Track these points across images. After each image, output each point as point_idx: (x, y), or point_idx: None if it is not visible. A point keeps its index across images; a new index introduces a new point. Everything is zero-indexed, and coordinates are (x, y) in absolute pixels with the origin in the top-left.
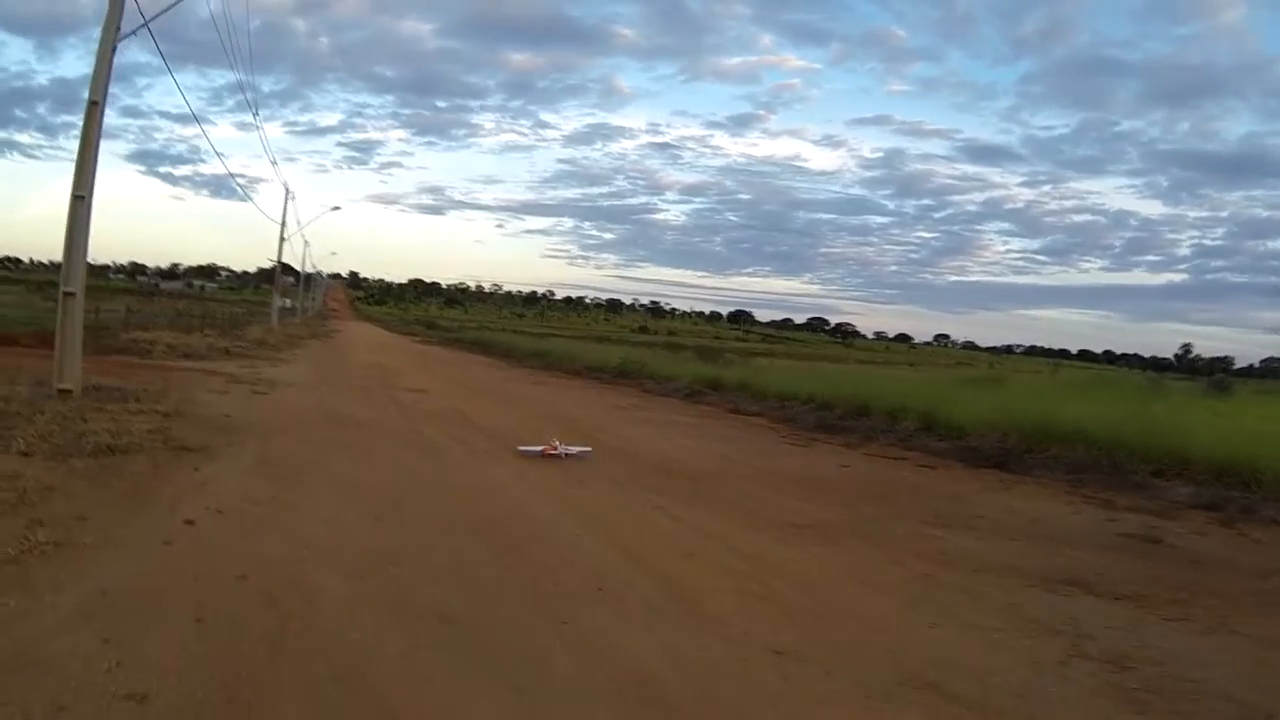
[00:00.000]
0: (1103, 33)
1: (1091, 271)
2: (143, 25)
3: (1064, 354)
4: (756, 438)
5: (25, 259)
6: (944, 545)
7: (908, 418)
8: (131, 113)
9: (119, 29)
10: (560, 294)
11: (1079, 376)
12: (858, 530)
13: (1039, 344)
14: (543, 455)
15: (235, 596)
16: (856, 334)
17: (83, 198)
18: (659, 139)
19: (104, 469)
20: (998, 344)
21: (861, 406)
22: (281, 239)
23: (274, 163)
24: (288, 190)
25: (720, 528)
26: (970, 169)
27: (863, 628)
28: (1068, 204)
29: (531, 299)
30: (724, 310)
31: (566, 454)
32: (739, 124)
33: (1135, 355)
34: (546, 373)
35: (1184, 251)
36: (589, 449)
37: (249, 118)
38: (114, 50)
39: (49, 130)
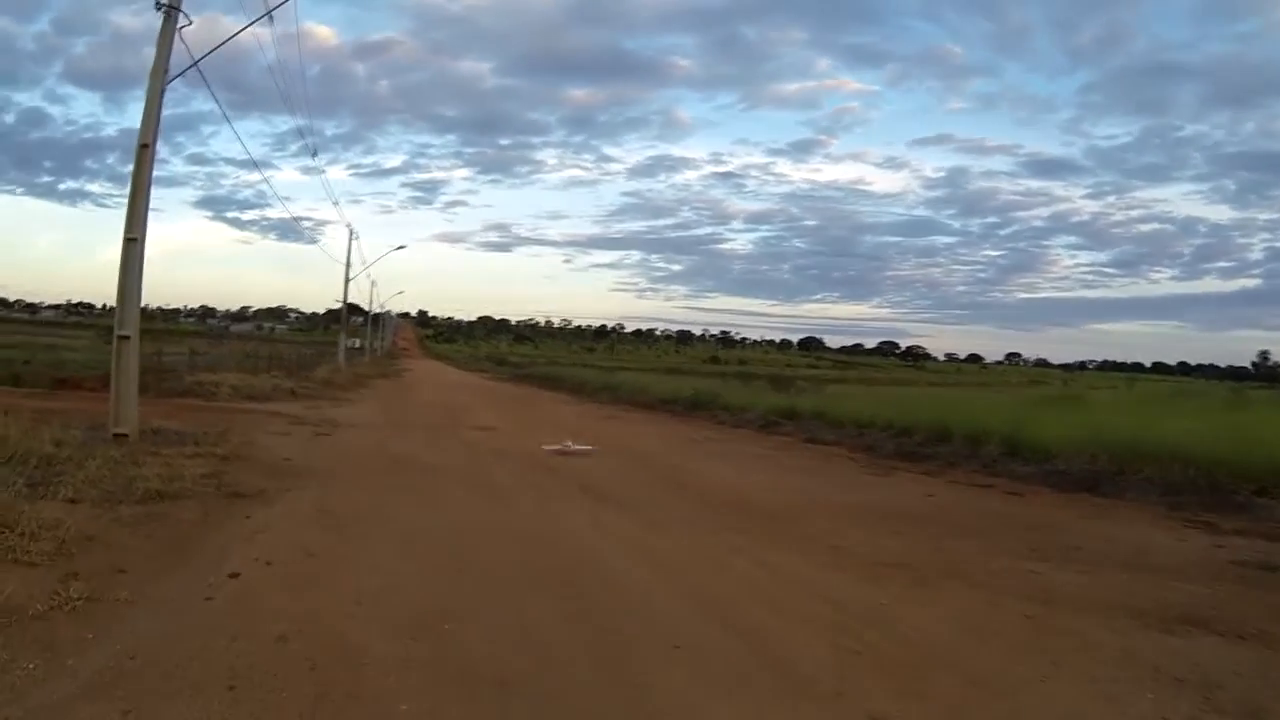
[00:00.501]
0: (1160, 36)
1: (1162, 281)
2: (191, 66)
3: (1138, 368)
4: (835, 469)
5: (98, 304)
6: (1044, 582)
7: (990, 442)
8: (198, 160)
9: (167, 71)
10: (630, 327)
11: (1157, 390)
12: (951, 568)
13: (1111, 358)
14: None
15: (274, 660)
16: (927, 356)
17: (135, 240)
18: (722, 168)
19: (151, 517)
20: (1070, 360)
21: (941, 432)
22: (347, 279)
23: (335, 203)
24: (351, 231)
25: (804, 570)
26: (1034, 184)
27: (969, 685)
28: (1134, 214)
29: (601, 333)
30: (794, 338)
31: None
32: (801, 150)
33: (1211, 365)
34: (617, 406)
35: (1256, 256)
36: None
37: (314, 161)
38: (162, 93)
39: (118, 179)
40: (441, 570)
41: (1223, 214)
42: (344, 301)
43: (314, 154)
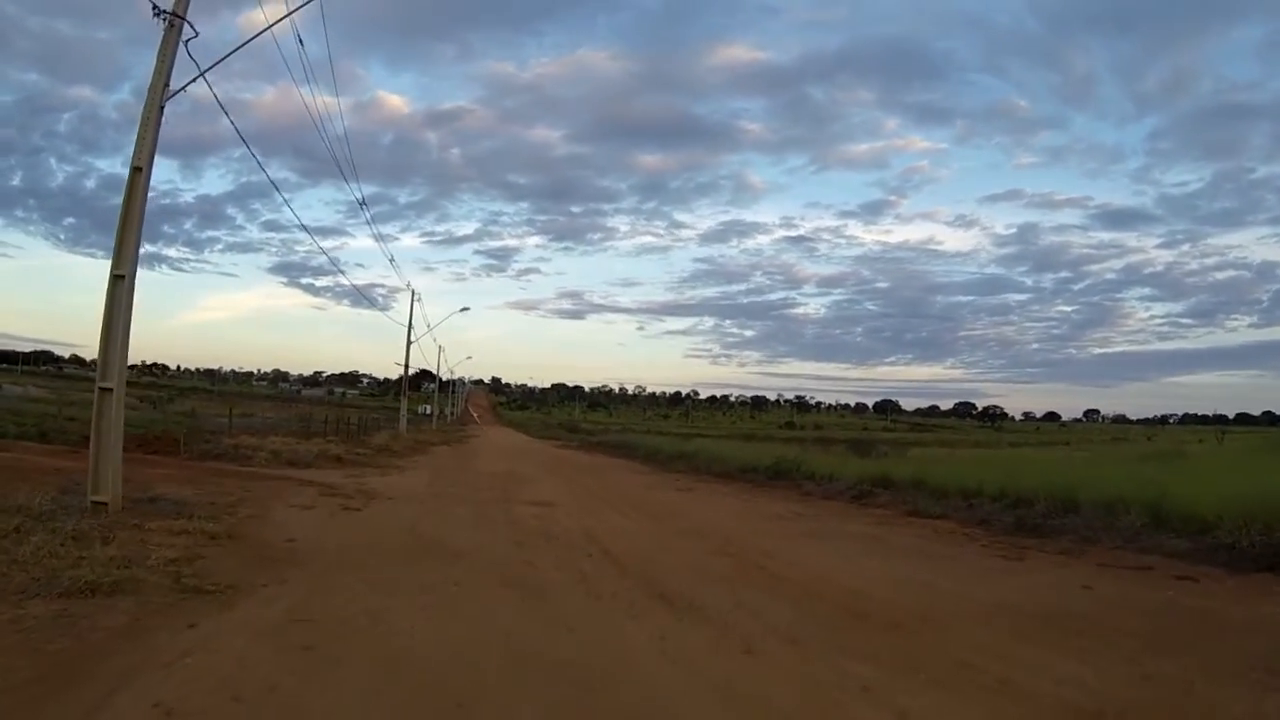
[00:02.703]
0: (1227, 77)
1: (1240, 330)
2: (196, 78)
3: (1221, 420)
4: (955, 551)
5: (172, 366)
6: None
7: (1129, 511)
8: (273, 226)
9: (168, 86)
10: (704, 393)
11: (1255, 442)
12: (1176, 712)
13: (1192, 411)
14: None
15: None
16: (1004, 416)
17: (123, 277)
18: (793, 232)
19: (60, 620)
20: (1149, 415)
21: (1066, 500)
22: (409, 341)
23: (391, 259)
24: (414, 292)
25: None
26: (1106, 236)
27: None
28: (1209, 261)
29: (675, 399)
30: (869, 401)
31: None
32: (871, 211)
33: None
34: (693, 476)
35: None
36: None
37: (387, 228)
38: (161, 110)
39: (195, 245)
40: None
41: None
42: (405, 364)
43: (362, 203)
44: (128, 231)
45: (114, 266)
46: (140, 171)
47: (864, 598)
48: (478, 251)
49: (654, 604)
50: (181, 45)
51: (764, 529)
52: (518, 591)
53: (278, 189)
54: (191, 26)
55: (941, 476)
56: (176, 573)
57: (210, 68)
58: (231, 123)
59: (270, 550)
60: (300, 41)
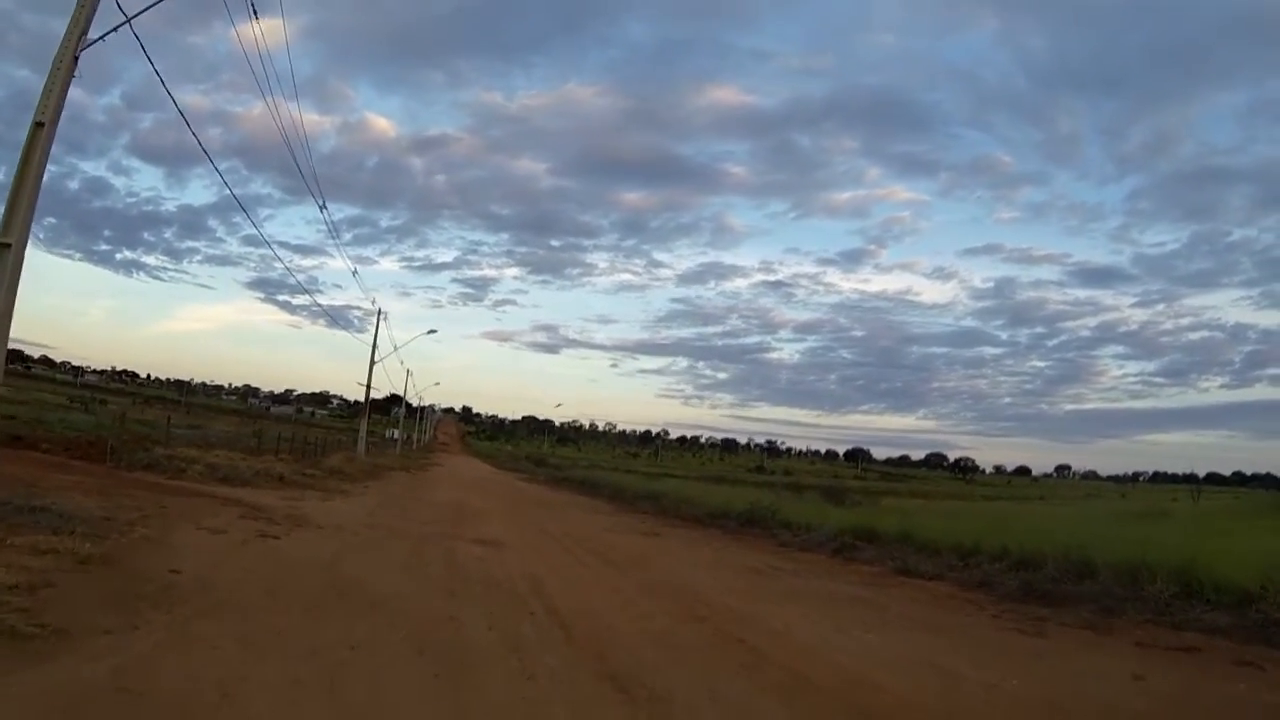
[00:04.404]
0: (1209, 141)
1: (1212, 390)
2: (123, 24)
3: (1191, 479)
4: (961, 620)
5: (143, 375)
6: None
7: (1155, 578)
8: (253, 241)
9: (85, 34)
10: (674, 433)
11: (1232, 504)
12: None
13: (1163, 469)
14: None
15: None
16: (976, 468)
17: (9, 246)
18: (772, 277)
19: None
20: (1120, 472)
21: (1079, 563)
22: (372, 360)
23: (354, 272)
24: (380, 311)
25: None
26: (1082, 293)
27: None
28: (1183, 322)
29: (646, 438)
30: (839, 448)
31: None
32: (851, 259)
33: (1268, 475)
34: (660, 519)
35: None
36: None
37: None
38: (76, 60)
39: (174, 254)
40: None
41: (1273, 319)
42: (367, 384)
43: (322, 206)
44: (20, 195)
45: (1, 234)
46: (43, 128)
47: (871, 688)
48: (455, 280)
49: (604, 690)
50: None
51: (740, 586)
52: (431, 663)
53: (232, 191)
54: None
55: (931, 531)
56: (3, 604)
57: (136, 15)
58: (156, 72)
59: (144, 582)
60: (263, 56)
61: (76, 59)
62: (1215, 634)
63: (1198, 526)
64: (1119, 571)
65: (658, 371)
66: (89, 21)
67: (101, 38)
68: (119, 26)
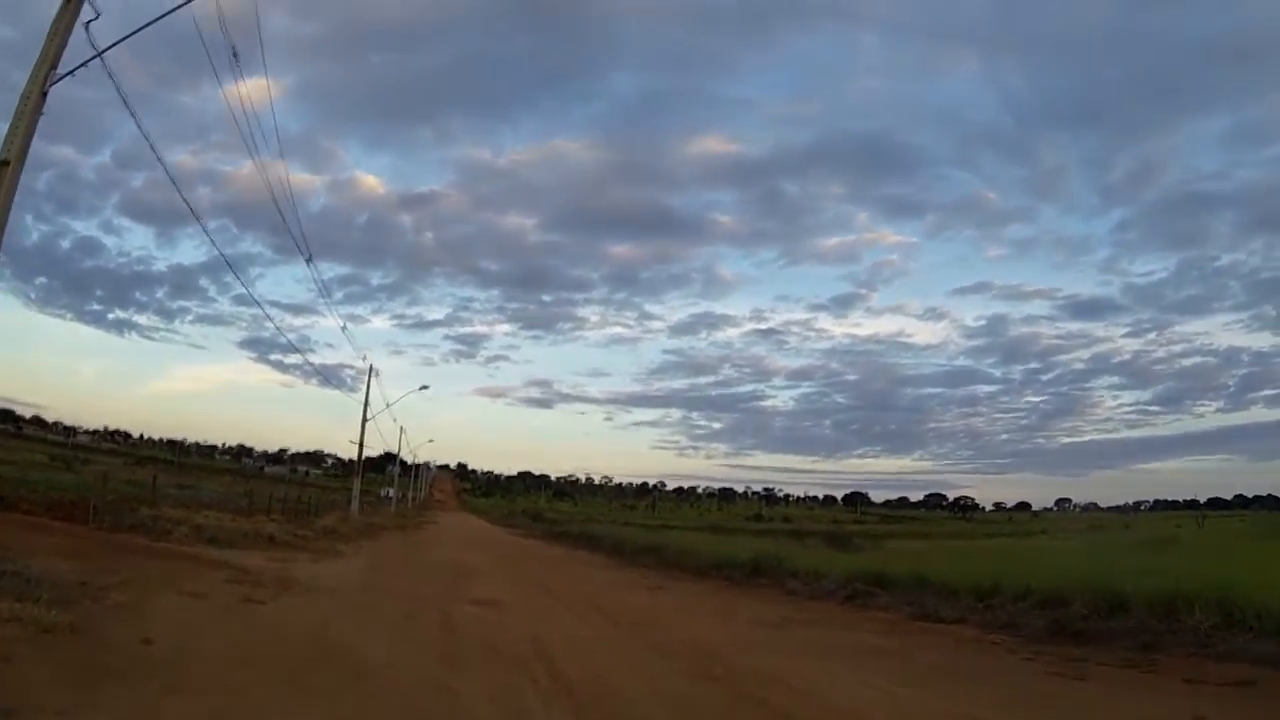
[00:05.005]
0: (1192, 168)
1: (1207, 415)
2: (93, 59)
3: (1193, 505)
4: (995, 666)
5: (136, 434)
6: None
7: (1192, 610)
8: (244, 301)
9: (55, 67)
10: (671, 485)
11: (1239, 528)
12: None
13: (1163, 497)
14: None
15: None
16: (975, 507)
17: None
18: (763, 325)
19: None
20: (1120, 502)
21: (1111, 599)
22: (364, 417)
23: (344, 328)
24: (371, 367)
25: None
26: (1074, 326)
27: None
28: (1175, 349)
29: (642, 490)
30: (837, 494)
31: None
32: (841, 304)
33: (1269, 496)
34: (663, 572)
35: None
36: None
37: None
38: (44, 96)
39: (165, 314)
40: None
41: (1265, 341)
42: (360, 441)
43: (309, 259)
44: None
45: None
46: (7, 166)
47: None
48: (447, 336)
49: None
50: (80, 25)
51: (753, 640)
52: None
53: (221, 252)
54: (93, 6)
55: (945, 573)
56: None
57: (108, 49)
58: (131, 110)
59: (112, 654)
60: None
61: (45, 94)
62: (1266, 665)
63: (1219, 553)
64: (1152, 604)
65: (652, 423)
66: (59, 56)
67: (70, 73)
68: (89, 61)
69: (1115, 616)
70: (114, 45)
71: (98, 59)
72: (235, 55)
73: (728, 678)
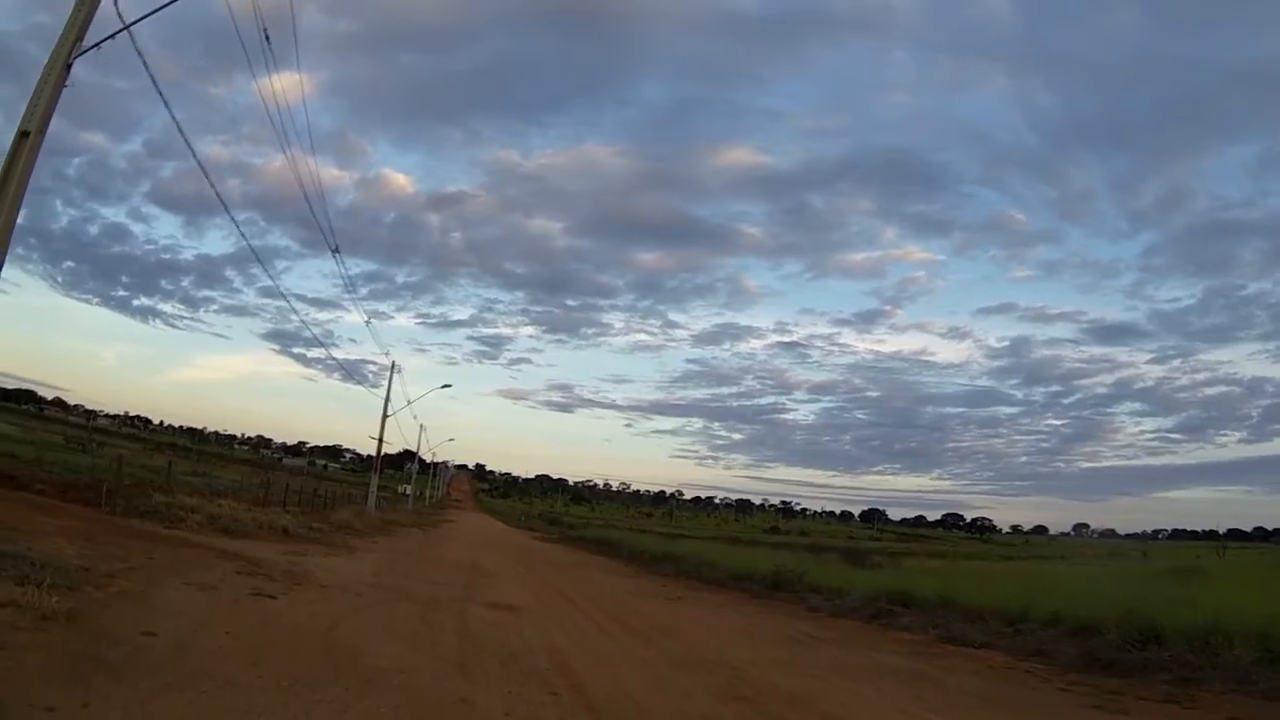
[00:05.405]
0: (1221, 195)
1: (1229, 445)
2: (120, 31)
3: (1212, 535)
4: (1031, 697)
5: (156, 421)
6: None
7: (1231, 644)
8: (269, 293)
9: (80, 41)
10: (689, 494)
11: (1261, 560)
12: None
13: (1182, 526)
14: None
15: None
16: (993, 528)
17: None
18: (787, 338)
19: None
20: (1138, 530)
21: (1144, 629)
22: (385, 413)
23: (368, 321)
24: (393, 364)
25: None
26: (1097, 350)
27: None
28: (1199, 377)
29: (660, 498)
30: (854, 509)
31: None
32: (866, 320)
33: None
34: (681, 582)
35: None
36: None
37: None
38: (68, 69)
39: (191, 303)
40: None
41: None
42: (380, 437)
43: (335, 250)
44: (3, 207)
45: None
46: (28, 137)
47: None
48: (471, 337)
49: None
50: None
51: (779, 658)
52: None
53: (249, 242)
54: None
55: (973, 595)
56: None
57: (135, 22)
58: (157, 86)
59: (110, 646)
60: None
61: (69, 66)
62: None
63: (1249, 585)
64: (1189, 636)
65: (672, 432)
66: (85, 27)
67: (96, 45)
68: (116, 34)
69: (1149, 647)
70: (140, 20)
71: (125, 32)
72: (267, 38)
73: (756, 699)
